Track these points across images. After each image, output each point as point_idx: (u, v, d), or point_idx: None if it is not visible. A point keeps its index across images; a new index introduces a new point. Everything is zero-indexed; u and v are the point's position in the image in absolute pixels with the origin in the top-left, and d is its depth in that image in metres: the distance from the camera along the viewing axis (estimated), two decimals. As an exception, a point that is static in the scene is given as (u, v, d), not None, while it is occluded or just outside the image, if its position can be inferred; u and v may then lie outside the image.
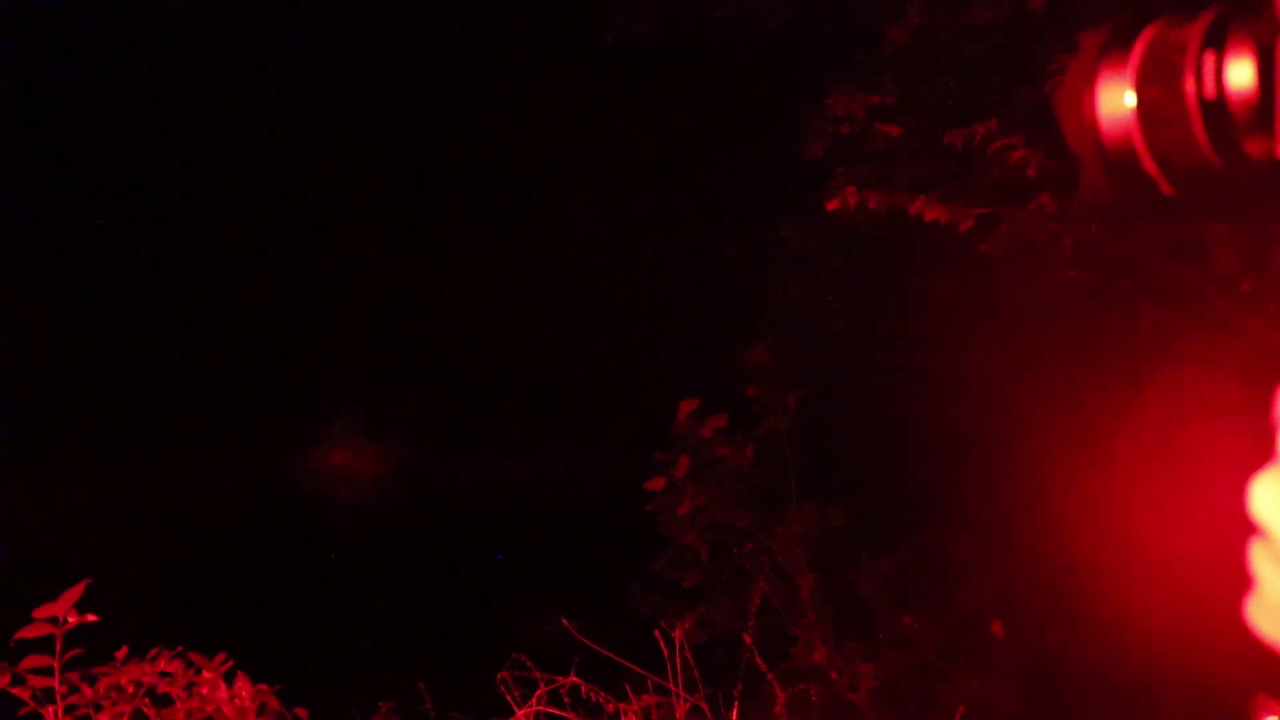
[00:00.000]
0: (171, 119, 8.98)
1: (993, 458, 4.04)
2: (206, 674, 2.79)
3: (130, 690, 2.78)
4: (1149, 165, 0.65)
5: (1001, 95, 3.84)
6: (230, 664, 2.88)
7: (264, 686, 2.91)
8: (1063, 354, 3.88)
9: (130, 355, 8.68)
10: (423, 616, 6.78)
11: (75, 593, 2.72)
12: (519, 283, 8.69)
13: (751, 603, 3.97)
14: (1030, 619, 4.09)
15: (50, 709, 2.70)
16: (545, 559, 7.12)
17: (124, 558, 6.25)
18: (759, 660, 3.51)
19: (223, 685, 2.80)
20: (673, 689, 3.37)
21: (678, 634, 3.42)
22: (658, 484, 4.67)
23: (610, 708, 3.31)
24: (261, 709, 2.85)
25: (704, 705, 3.38)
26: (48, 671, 2.72)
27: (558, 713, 3.28)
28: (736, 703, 3.37)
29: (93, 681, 2.79)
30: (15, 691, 2.73)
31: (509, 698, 3.30)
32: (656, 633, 3.43)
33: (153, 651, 2.87)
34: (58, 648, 2.72)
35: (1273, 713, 0.56)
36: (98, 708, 2.74)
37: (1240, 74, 0.60)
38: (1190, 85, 0.61)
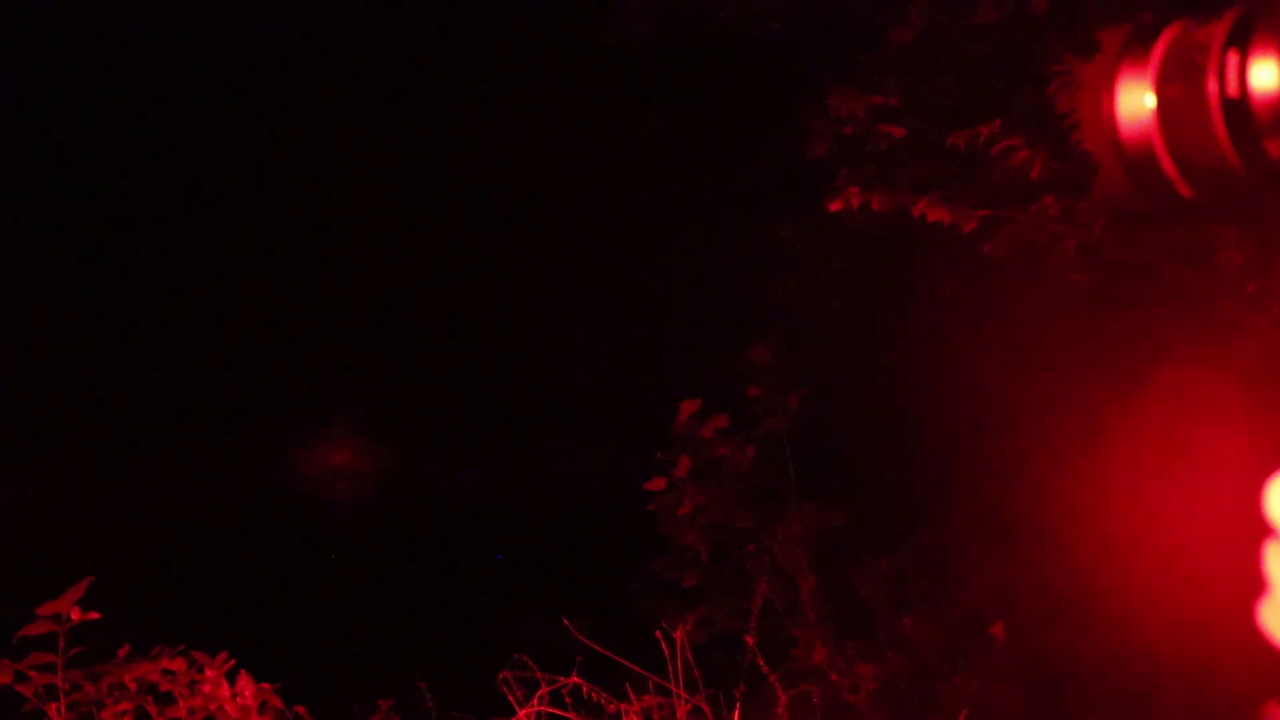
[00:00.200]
0: (170, 119, 8.98)
1: (994, 459, 4.04)
2: (209, 672, 2.79)
3: (133, 688, 2.78)
4: (1168, 166, 0.64)
5: (1004, 96, 3.84)
6: (233, 663, 2.88)
7: (266, 685, 2.91)
8: (1066, 356, 3.87)
9: (132, 354, 8.68)
10: (424, 616, 6.78)
11: (78, 590, 2.72)
12: (519, 282, 8.69)
13: (752, 603, 3.97)
14: (1031, 620, 4.09)
15: (53, 706, 2.69)
16: (546, 559, 7.11)
17: (127, 556, 6.25)
18: (760, 661, 3.51)
19: (225, 684, 2.80)
20: (674, 689, 3.37)
21: (679, 634, 3.42)
22: (658, 484, 4.67)
23: (612, 708, 3.30)
24: (263, 708, 2.85)
25: (705, 706, 3.37)
26: (51, 669, 2.72)
27: (559, 713, 3.28)
28: (738, 704, 3.37)
29: (95, 679, 2.78)
30: (19, 689, 2.73)
31: (510, 698, 3.29)
32: (658, 633, 3.43)
33: (155, 649, 2.87)
34: (61, 645, 2.72)
35: None
36: (100, 705, 2.74)
37: (1264, 74, 0.59)
38: (1213, 84, 0.61)
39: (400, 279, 8.96)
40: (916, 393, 4.47)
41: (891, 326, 4.69)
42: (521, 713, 3.22)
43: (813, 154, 4.49)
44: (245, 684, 2.81)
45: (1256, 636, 0.55)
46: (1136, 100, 0.65)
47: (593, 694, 3.26)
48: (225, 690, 2.74)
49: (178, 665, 2.79)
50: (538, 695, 3.25)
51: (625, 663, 3.44)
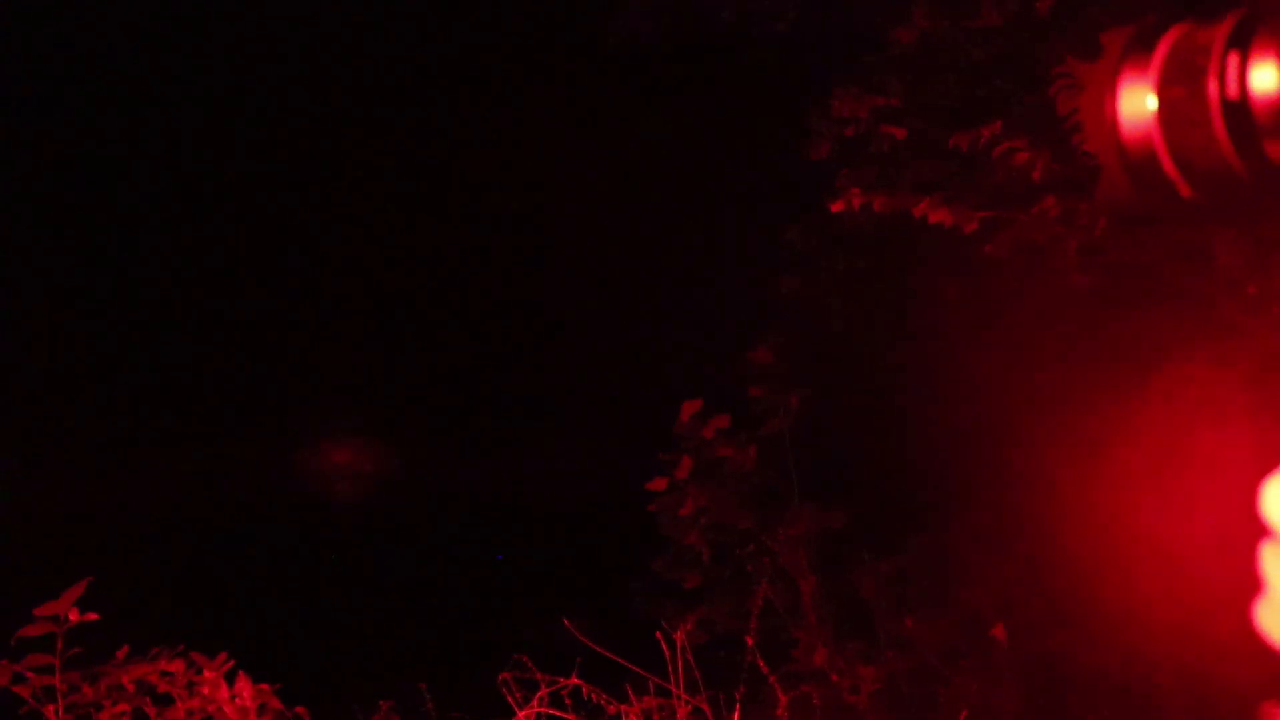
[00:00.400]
0: (171, 118, 8.98)
1: (996, 460, 4.04)
2: (208, 673, 2.79)
3: (131, 689, 2.77)
4: (1169, 167, 0.64)
5: (1007, 98, 3.83)
6: (231, 664, 2.87)
7: (265, 686, 2.90)
8: (1067, 357, 3.87)
9: (129, 353, 8.67)
10: (424, 616, 6.77)
11: (76, 591, 2.72)
12: (519, 282, 8.69)
13: (753, 604, 3.96)
14: (1032, 622, 4.09)
15: (51, 707, 2.69)
16: (546, 559, 7.11)
17: (125, 556, 6.24)
18: (760, 662, 3.50)
19: (224, 685, 2.79)
20: (674, 690, 3.37)
21: (679, 635, 3.42)
22: (660, 484, 4.67)
23: (611, 709, 3.30)
24: (262, 709, 2.85)
25: (705, 707, 3.37)
26: (49, 670, 2.71)
27: (559, 714, 3.27)
28: (738, 705, 3.36)
29: (94, 680, 2.78)
30: (16, 690, 2.73)
31: (510, 699, 3.29)
32: (658, 634, 3.42)
33: (154, 651, 2.87)
34: (59, 646, 2.72)
35: None
36: (98, 706, 2.73)
37: (1264, 76, 0.59)
38: (1213, 86, 0.61)
39: (399, 279, 8.97)
40: (917, 393, 4.46)
41: (893, 327, 4.68)
42: (521, 714, 3.22)
43: (814, 155, 4.49)
44: (244, 685, 2.81)
45: (1256, 637, 0.55)
46: (1138, 102, 0.65)
47: (592, 695, 3.26)
48: (224, 691, 2.74)
49: (176, 666, 2.78)
50: (537, 696, 3.24)
51: (625, 663, 3.43)
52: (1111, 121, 0.67)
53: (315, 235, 9.02)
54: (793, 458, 4.69)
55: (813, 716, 3.64)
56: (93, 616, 2.69)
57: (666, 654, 3.39)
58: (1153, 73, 0.65)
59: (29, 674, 2.69)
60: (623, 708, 3.29)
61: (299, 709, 3.05)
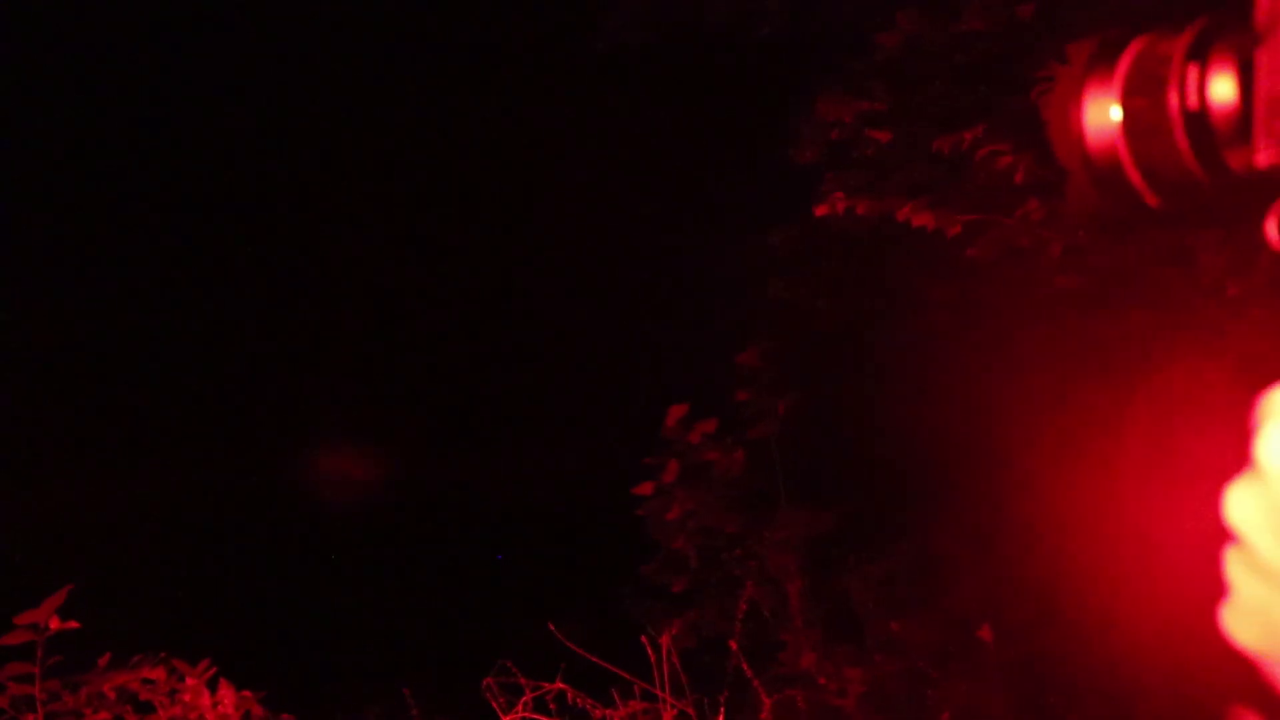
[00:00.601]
0: (169, 119, 8.95)
1: (981, 463, 4.05)
2: (190, 681, 2.77)
3: (112, 697, 2.76)
4: (1134, 176, 0.65)
5: (990, 102, 3.85)
6: (214, 671, 2.86)
7: (248, 693, 2.89)
8: (1051, 360, 3.89)
9: (114, 358, 8.64)
10: (409, 622, 6.76)
11: (57, 599, 2.70)
12: (508, 287, 8.69)
13: (740, 608, 3.97)
14: (1019, 624, 4.10)
15: (31, 716, 2.67)
16: (532, 564, 7.10)
17: (107, 563, 6.21)
18: (745, 666, 3.50)
19: (206, 692, 2.78)
20: (659, 695, 3.37)
21: (665, 639, 3.42)
22: (646, 489, 4.67)
23: (597, 714, 3.30)
24: (246, 716, 2.84)
25: (690, 711, 3.37)
26: (28, 679, 2.69)
27: (543, 719, 3.27)
28: (723, 708, 3.36)
29: (74, 689, 2.76)
30: (-5, 699, 2.71)
31: (494, 704, 3.28)
32: (644, 638, 3.42)
33: (135, 658, 2.85)
34: (39, 654, 2.70)
35: None
36: (79, 715, 2.72)
37: (1222, 87, 0.60)
38: (1174, 97, 0.61)
39: (390, 282, 8.96)
40: (904, 397, 4.47)
41: (879, 331, 4.70)
42: (505, 718, 3.21)
43: (801, 159, 4.50)
44: (226, 692, 2.80)
45: (1229, 643, 0.55)
46: (1103, 113, 0.66)
47: (578, 700, 3.26)
48: (206, 699, 2.72)
49: (158, 674, 2.77)
50: (522, 701, 3.24)
51: (611, 668, 3.43)
52: (1078, 132, 0.68)
53: (307, 238, 9.01)
54: (780, 461, 4.70)
55: (798, 719, 3.65)
56: (73, 624, 2.67)
57: (652, 658, 3.39)
58: (1116, 84, 0.66)
59: (8, 683, 2.67)
60: (608, 712, 3.29)
61: (285, 717, 3.04)
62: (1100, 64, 0.67)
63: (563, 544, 6.85)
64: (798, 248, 4.94)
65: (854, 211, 3.82)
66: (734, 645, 3.56)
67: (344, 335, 8.98)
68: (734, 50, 5.81)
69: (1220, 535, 0.57)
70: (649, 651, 3.39)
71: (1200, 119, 0.61)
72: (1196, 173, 0.63)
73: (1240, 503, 0.56)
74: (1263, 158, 0.59)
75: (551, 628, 3.44)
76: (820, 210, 3.91)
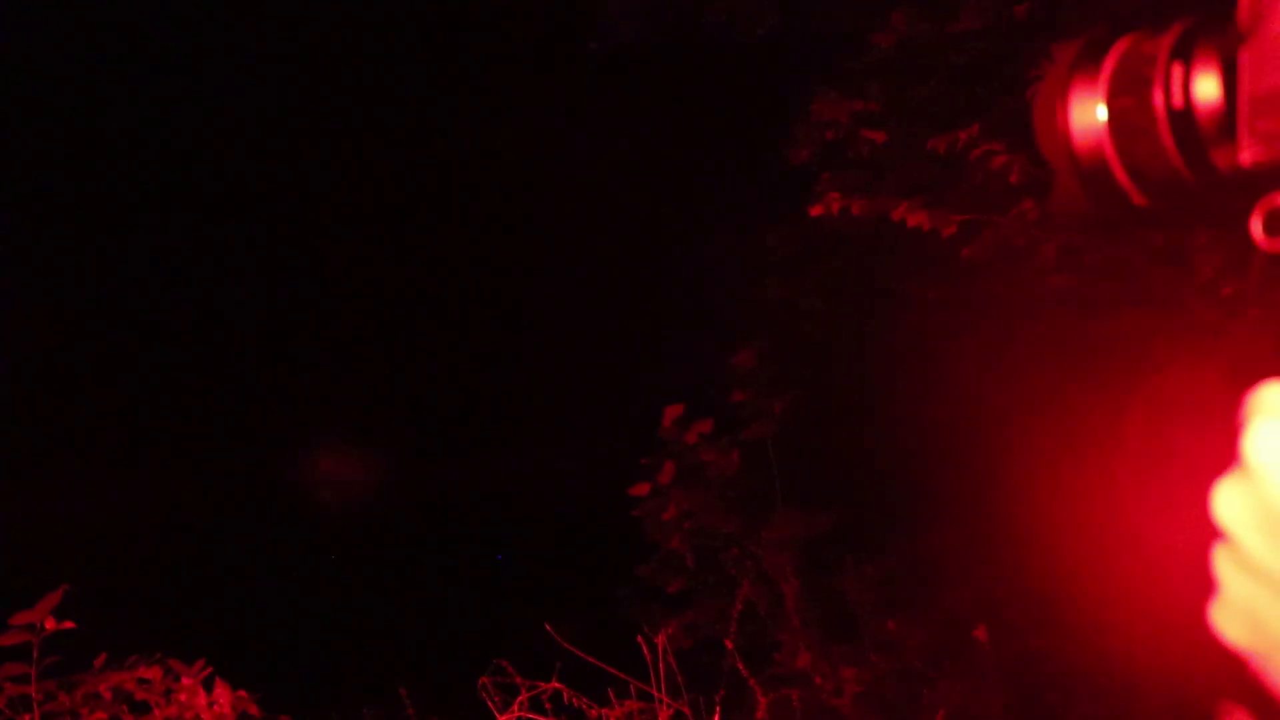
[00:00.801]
0: (164, 120, 8.94)
1: (977, 463, 4.05)
2: (185, 680, 2.77)
3: (108, 697, 2.75)
4: (1121, 176, 0.65)
5: (985, 102, 3.85)
6: (209, 670, 2.86)
7: (243, 693, 2.89)
8: (1046, 359, 3.89)
9: (108, 359, 8.62)
10: (405, 622, 6.75)
11: (53, 599, 2.70)
12: (503, 288, 8.68)
13: (736, 608, 3.97)
14: (1014, 624, 4.10)
15: (26, 717, 2.67)
16: (529, 564, 7.09)
17: (103, 564, 6.20)
18: (740, 665, 3.51)
19: (201, 692, 2.78)
20: (655, 694, 3.37)
21: (661, 639, 3.42)
22: (642, 489, 4.67)
23: (593, 713, 3.30)
24: (242, 717, 2.84)
25: (687, 710, 3.37)
26: (24, 679, 2.69)
27: (539, 718, 3.27)
28: (718, 708, 3.36)
29: (70, 689, 2.76)
30: (-9, 700, 2.71)
31: (490, 703, 3.28)
32: (639, 638, 3.42)
33: (131, 658, 2.85)
34: (35, 655, 2.70)
35: (1237, 717, 0.56)
36: (75, 715, 2.71)
37: (1206, 86, 0.60)
38: (1159, 96, 0.61)
39: (386, 284, 8.95)
40: (899, 397, 4.48)
41: (875, 331, 4.70)
42: (501, 718, 3.21)
43: (796, 159, 4.51)
44: (222, 692, 2.79)
45: (1218, 640, 0.55)
46: (1089, 112, 0.66)
47: (573, 699, 3.26)
48: (201, 698, 2.72)
49: (153, 674, 2.76)
50: (518, 701, 3.24)
51: (606, 667, 3.43)
52: (1064, 132, 0.68)
53: (302, 240, 9.00)
54: (776, 462, 4.70)
55: (794, 719, 3.65)
56: (69, 625, 2.67)
57: (648, 658, 3.39)
58: (1102, 83, 0.66)
59: (4, 683, 2.67)
60: (604, 711, 3.29)
61: (282, 718, 3.04)
62: (1085, 63, 0.67)
63: (559, 544, 6.84)
64: (793, 248, 4.94)
65: (849, 211, 3.82)
66: (730, 645, 3.56)
67: (340, 333, 8.96)
68: (729, 51, 5.82)
69: (1213, 534, 0.58)
70: (645, 651, 3.39)
71: (1185, 118, 0.61)
72: (1182, 172, 0.63)
73: (1228, 500, 0.56)
74: (1247, 156, 0.60)
75: (548, 628, 3.44)
76: (815, 210, 3.91)
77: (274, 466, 8.27)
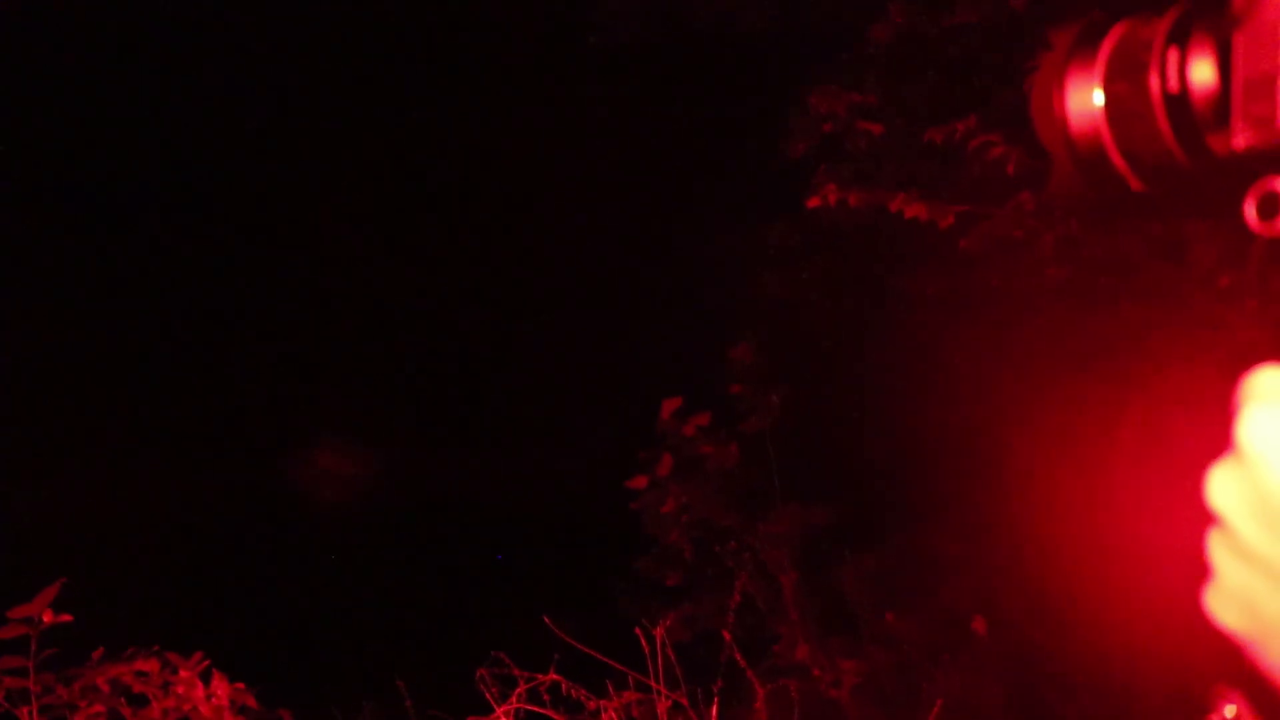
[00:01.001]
0: (164, 121, 8.93)
1: (975, 456, 4.05)
2: (183, 673, 2.77)
3: (106, 690, 2.76)
4: (1118, 161, 0.65)
5: (982, 94, 3.85)
6: (207, 663, 2.86)
7: (241, 685, 2.89)
8: (1044, 351, 3.89)
9: (107, 355, 8.62)
10: (403, 614, 6.76)
11: (51, 593, 2.70)
12: (500, 282, 8.68)
13: (734, 601, 3.97)
14: (1012, 616, 4.11)
15: (24, 710, 2.67)
16: (527, 558, 7.10)
17: (101, 557, 6.20)
18: (739, 657, 3.51)
19: (199, 684, 2.78)
20: (653, 686, 3.37)
21: (659, 631, 3.42)
22: (640, 482, 4.67)
23: (591, 705, 3.30)
24: (240, 709, 2.84)
25: (684, 702, 3.38)
26: (22, 672, 2.70)
27: (537, 710, 3.27)
28: (716, 699, 3.37)
29: (68, 682, 2.76)
30: (-11, 692, 2.71)
31: (488, 695, 3.29)
32: (638, 630, 3.42)
33: (129, 651, 2.85)
34: (33, 648, 2.70)
35: (1232, 701, 0.57)
36: (73, 708, 2.72)
37: (1202, 70, 0.60)
38: (1155, 81, 0.61)
39: (383, 280, 8.95)
40: (898, 390, 4.48)
41: (872, 323, 4.70)
42: (499, 710, 3.22)
43: (793, 152, 4.50)
44: (220, 684, 2.80)
45: (1213, 625, 0.55)
46: (1086, 98, 0.66)
47: (572, 691, 3.26)
48: (199, 691, 2.72)
49: (151, 666, 2.76)
50: (516, 693, 3.24)
51: (606, 660, 3.44)
52: (1061, 118, 0.68)
53: (298, 238, 8.99)
54: (774, 455, 4.70)
55: (792, 710, 3.66)
56: (67, 618, 2.67)
57: (646, 650, 3.40)
58: (1099, 69, 0.66)
59: (2, 676, 2.67)
60: (602, 703, 3.29)
61: (282, 711, 3.04)
62: (1082, 49, 0.67)
63: (557, 537, 6.85)
64: (791, 241, 4.94)
65: (846, 204, 3.82)
66: (728, 637, 3.56)
67: (337, 331, 8.97)
68: (726, 44, 5.81)
69: (1208, 521, 0.58)
70: (643, 644, 3.39)
71: (1181, 102, 0.61)
72: (1178, 156, 0.63)
73: (1222, 486, 0.56)
74: (1240, 140, 0.60)
75: (546, 620, 3.45)
76: (813, 202, 3.91)
77: (274, 462, 8.27)
